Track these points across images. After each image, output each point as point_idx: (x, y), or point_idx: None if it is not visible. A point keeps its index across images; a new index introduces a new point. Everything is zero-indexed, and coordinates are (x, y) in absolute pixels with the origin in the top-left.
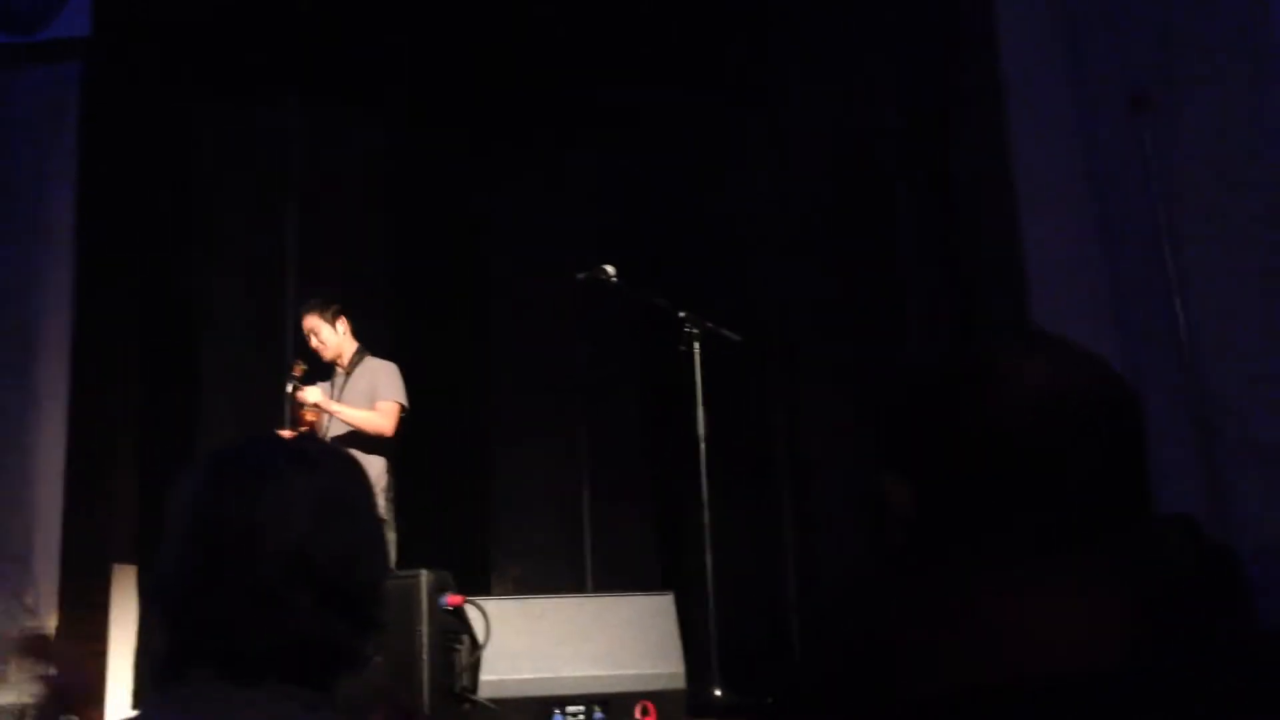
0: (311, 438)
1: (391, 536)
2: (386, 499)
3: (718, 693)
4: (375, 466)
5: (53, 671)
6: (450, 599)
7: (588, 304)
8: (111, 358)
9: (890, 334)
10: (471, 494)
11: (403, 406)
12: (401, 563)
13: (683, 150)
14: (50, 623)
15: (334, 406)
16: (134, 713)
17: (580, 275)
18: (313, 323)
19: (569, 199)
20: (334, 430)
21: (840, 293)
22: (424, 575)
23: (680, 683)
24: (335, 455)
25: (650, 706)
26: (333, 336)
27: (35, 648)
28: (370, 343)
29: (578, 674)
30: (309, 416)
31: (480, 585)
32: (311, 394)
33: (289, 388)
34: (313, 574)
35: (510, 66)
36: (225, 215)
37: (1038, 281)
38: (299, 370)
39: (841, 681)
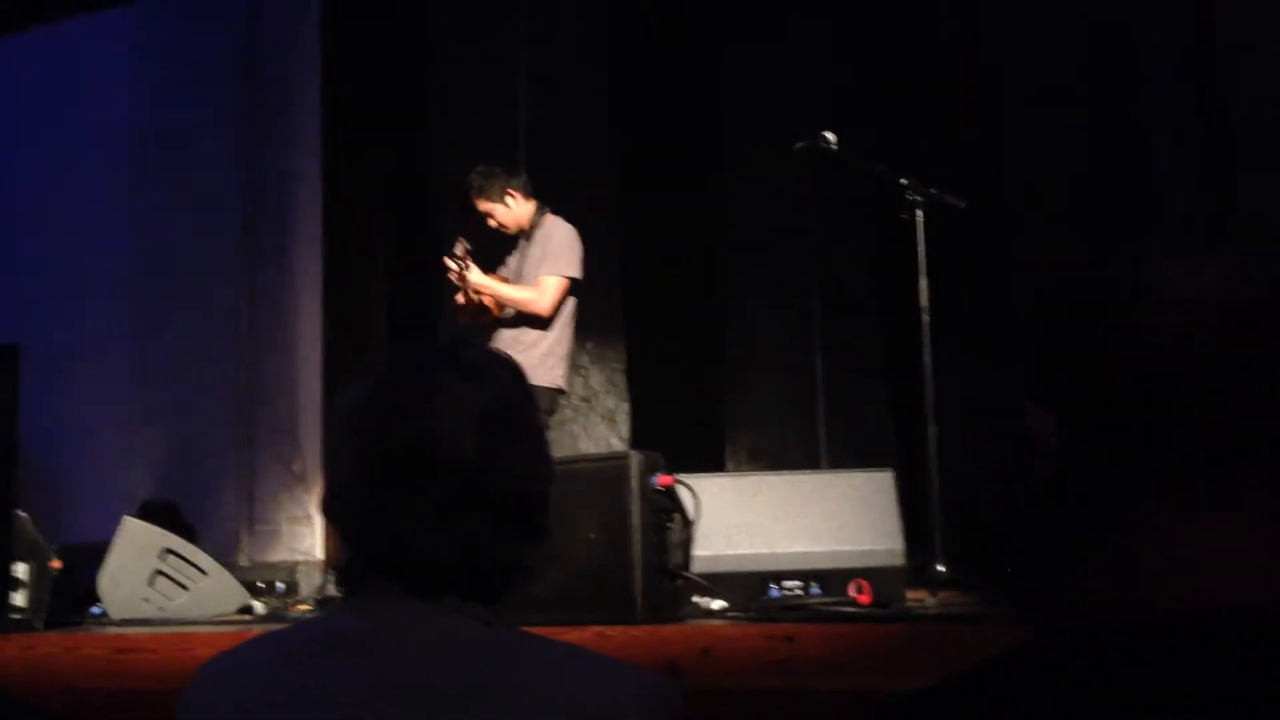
0: (473, 345)
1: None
2: (566, 367)
3: (940, 568)
4: (545, 342)
5: None
6: (660, 479)
7: (822, 171)
8: (361, 239)
9: (1137, 200)
10: (705, 365)
11: (571, 279)
12: (636, 434)
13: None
14: (315, 488)
15: (492, 287)
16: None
17: (798, 145)
18: (484, 207)
19: (801, 65)
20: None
21: (1084, 156)
22: (634, 456)
23: (898, 560)
24: (498, 363)
25: (865, 584)
26: (508, 212)
27: None
28: (577, 205)
29: (794, 550)
30: (462, 300)
31: (714, 455)
32: (473, 276)
33: (449, 270)
34: (484, 488)
35: None
36: (459, 92)
37: None
38: (460, 249)
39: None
